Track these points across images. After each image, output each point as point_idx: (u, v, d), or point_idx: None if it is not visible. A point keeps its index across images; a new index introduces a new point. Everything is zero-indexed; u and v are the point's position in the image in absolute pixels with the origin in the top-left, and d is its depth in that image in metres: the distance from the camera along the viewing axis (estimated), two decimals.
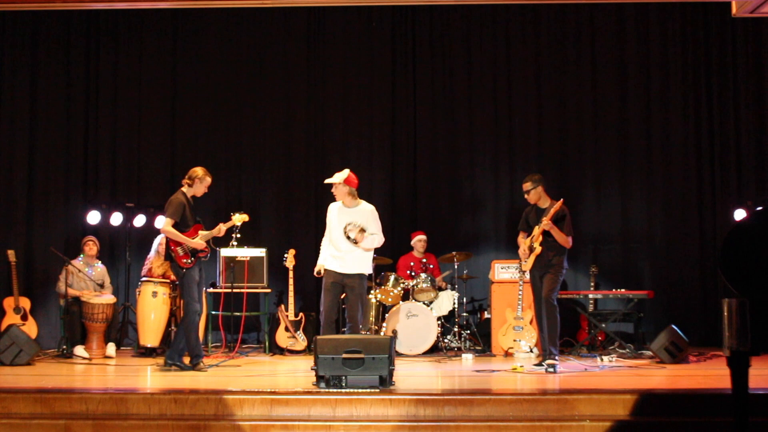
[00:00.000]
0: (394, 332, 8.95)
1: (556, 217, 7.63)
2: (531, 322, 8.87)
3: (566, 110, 10.46)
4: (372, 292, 9.11)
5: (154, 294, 8.98)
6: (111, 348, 9.01)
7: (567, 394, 6.01)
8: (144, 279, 9.16)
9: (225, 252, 9.39)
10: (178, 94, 10.57)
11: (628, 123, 10.37)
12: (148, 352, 8.95)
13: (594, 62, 10.44)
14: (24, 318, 9.16)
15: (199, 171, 7.56)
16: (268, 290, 9.60)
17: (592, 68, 10.43)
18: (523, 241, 7.91)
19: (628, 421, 5.71)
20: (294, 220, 10.42)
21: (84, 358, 8.72)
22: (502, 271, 9.40)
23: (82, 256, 9.37)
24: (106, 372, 7.93)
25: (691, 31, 10.36)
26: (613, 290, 9.36)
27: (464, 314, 9.63)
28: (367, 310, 9.13)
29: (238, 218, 7.76)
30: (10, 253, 9.23)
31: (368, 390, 6.04)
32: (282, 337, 9.26)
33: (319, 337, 6.40)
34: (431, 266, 9.64)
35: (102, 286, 9.33)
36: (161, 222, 7.51)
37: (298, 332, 9.26)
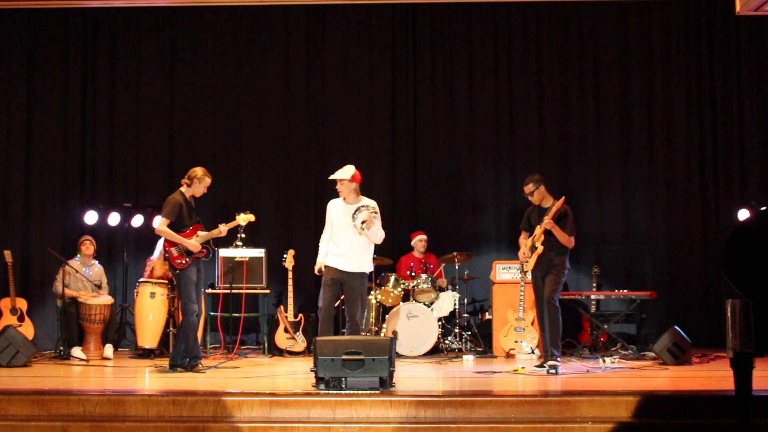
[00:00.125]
0: (395, 333, 8.91)
1: (558, 216, 7.59)
2: (532, 323, 8.84)
3: (568, 110, 10.41)
4: (372, 292, 9.07)
5: (152, 295, 8.94)
6: (108, 349, 8.97)
7: (569, 396, 5.97)
8: (142, 280, 9.12)
9: (224, 252, 9.34)
10: (176, 94, 10.53)
11: (631, 122, 10.32)
12: (146, 354, 8.91)
13: (596, 61, 10.40)
14: (21, 319, 9.13)
15: (198, 171, 7.53)
16: (267, 291, 9.55)
17: (594, 67, 10.39)
18: (524, 242, 7.86)
19: (630, 423, 5.68)
20: (293, 220, 10.38)
21: (81, 360, 8.68)
22: (504, 271, 9.35)
23: (78, 256, 9.33)
24: (103, 373, 7.91)
25: (694, 29, 10.32)
26: (616, 291, 9.32)
27: (465, 315, 9.59)
28: (367, 310, 9.10)
29: (243, 218, 7.74)
30: (7, 254, 9.19)
31: (368, 391, 6.00)
32: (281, 339, 9.22)
33: (318, 338, 6.36)
34: (431, 266, 9.59)
35: (99, 286, 9.29)
36: (156, 222, 7.48)
37: (298, 333, 9.21)
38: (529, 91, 10.46)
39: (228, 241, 8.65)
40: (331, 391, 6.03)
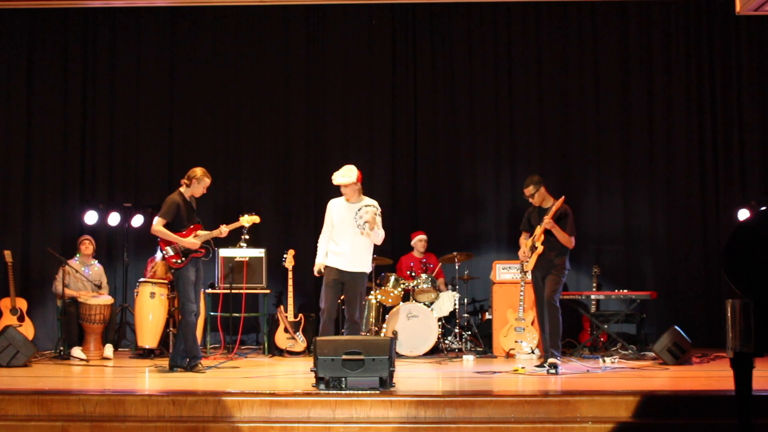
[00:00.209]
0: (395, 333, 8.91)
1: (558, 216, 7.59)
2: (532, 323, 8.84)
3: (568, 109, 10.41)
4: (372, 292, 9.07)
5: (152, 295, 8.94)
6: (109, 349, 8.96)
7: (569, 396, 5.97)
8: (142, 280, 9.11)
9: (224, 252, 9.34)
10: (176, 94, 10.53)
11: (631, 122, 10.32)
12: (146, 354, 8.90)
13: (596, 60, 10.39)
14: (21, 319, 9.12)
15: (197, 171, 7.53)
16: (267, 291, 9.54)
17: (594, 67, 10.38)
18: (524, 242, 7.85)
19: (630, 422, 5.67)
20: (294, 220, 10.37)
21: (81, 360, 8.68)
22: (504, 271, 9.35)
23: (78, 255, 9.32)
24: (103, 373, 7.90)
25: (695, 29, 10.31)
26: (616, 291, 9.32)
27: (465, 315, 9.59)
28: (367, 310, 9.10)
29: (247, 220, 7.75)
30: (7, 254, 9.19)
31: (368, 391, 6.00)
32: (281, 339, 9.21)
33: (318, 338, 6.36)
34: (431, 266, 9.59)
35: (99, 286, 9.29)
36: (154, 221, 7.52)
37: (298, 333, 9.21)
38: (529, 91, 10.46)
39: (231, 241, 8.66)
40: (331, 391, 6.03)
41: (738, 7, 7.50)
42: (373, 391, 6.01)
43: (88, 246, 9.35)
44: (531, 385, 6.79)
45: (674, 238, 10.16)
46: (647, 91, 10.32)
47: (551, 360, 7.45)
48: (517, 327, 8.95)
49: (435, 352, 9.12)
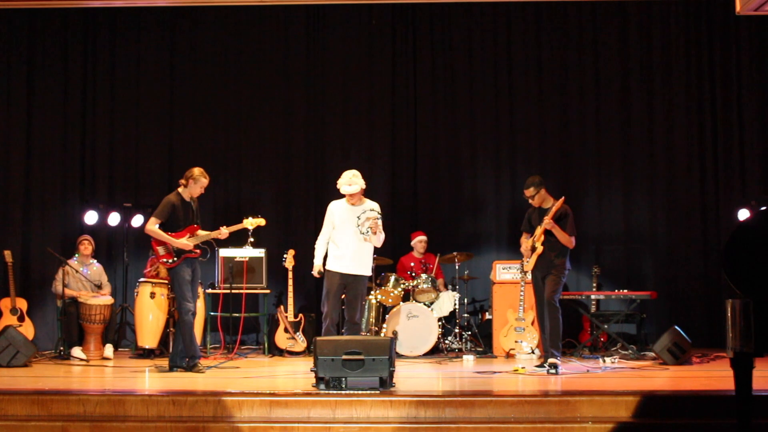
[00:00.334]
0: (395, 333, 8.91)
1: (558, 216, 7.59)
2: (532, 323, 8.84)
3: (568, 109, 10.40)
4: (372, 292, 9.06)
5: (152, 295, 8.94)
6: (109, 349, 8.96)
7: (569, 396, 5.97)
8: (142, 280, 9.11)
9: (224, 252, 9.35)
10: (176, 94, 10.52)
11: (631, 122, 10.31)
12: (146, 354, 8.90)
13: (596, 60, 10.38)
14: (21, 319, 9.12)
15: (195, 171, 7.55)
16: (267, 291, 9.55)
17: (594, 67, 10.38)
18: (525, 242, 7.85)
19: (630, 422, 5.67)
20: (294, 220, 10.37)
21: (81, 360, 8.68)
22: (504, 271, 9.35)
23: (77, 255, 9.32)
24: (103, 373, 7.90)
25: (694, 29, 10.31)
26: (616, 291, 9.31)
27: (465, 315, 9.59)
28: (367, 310, 9.10)
29: (251, 222, 7.76)
30: (7, 254, 9.19)
31: (368, 391, 6.00)
32: (281, 339, 9.21)
33: (318, 338, 6.36)
34: (431, 266, 9.59)
35: (99, 286, 9.28)
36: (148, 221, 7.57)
37: (298, 333, 9.21)
38: (529, 91, 10.45)
39: (237, 242, 8.67)
40: (331, 391, 6.03)
41: (738, 7, 7.51)
42: (373, 391, 6.00)
43: (87, 246, 9.34)
44: (531, 385, 6.79)
45: (674, 238, 10.15)
46: (647, 91, 10.32)
47: (551, 360, 7.45)
48: (517, 327, 8.94)
49: (435, 352, 9.12)
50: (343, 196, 7.39)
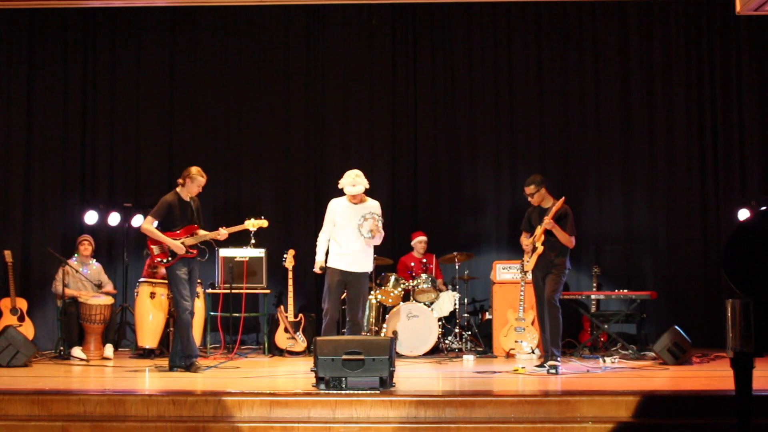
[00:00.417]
0: (395, 333, 8.91)
1: (558, 216, 7.59)
2: (533, 323, 8.84)
3: (568, 109, 10.41)
4: (372, 292, 9.06)
5: (152, 295, 8.94)
6: (109, 349, 8.96)
7: (569, 396, 5.97)
8: (142, 280, 9.11)
9: (224, 252, 9.35)
10: (177, 94, 10.53)
11: (631, 122, 10.32)
12: (146, 354, 8.90)
13: (596, 60, 10.39)
14: (21, 319, 9.12)
15: (192, 170, 7.57)
16: (268, 291, 9.55)
17: (594, 67, 10.38)
18: (525, 242, 7.86)
19: (630, 422, 5.67)
20: (294, 220, 10.37)
21: (81, 360, 8.68)
22: (504, 271, 9.35)
23: (76, 255, 9.32)
24: (103, 373, 7.90)
25: (695, 29, 10.31)
26: (616, 291, 9.31)
27: (465, 315, 9.59)
28: (367, 310, 9.10)
29: (252, 223, 7.78)
30: (7, 254, 9.19)
31: (368, 391, 6.00)
32: (281, 338, 9.21)
33: (318, 338, 6.36)
34: (431, 266, 9.59)
35: (99, 286, 9.28)
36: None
37: (298, 333, 9.21)
38: (529, 91, 10.45)
39: (238, 242, 8.67)
40: (331, 391, 6.02)
41: (738, 7, 7.50)
42: (373, 391, 6.00)
43: (87, 247, 9.35)
44: (531, 385, 6.79)
45: (674, 238, 10.15)
46: (647, 91, 10.32)
47: (551, 360, 7.45)
48: (517, 327, 8.95)
49: (435, 352, 9.12)
50: (343, 193, 7.40)
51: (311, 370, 6.26)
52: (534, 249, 7.69)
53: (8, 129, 10.32)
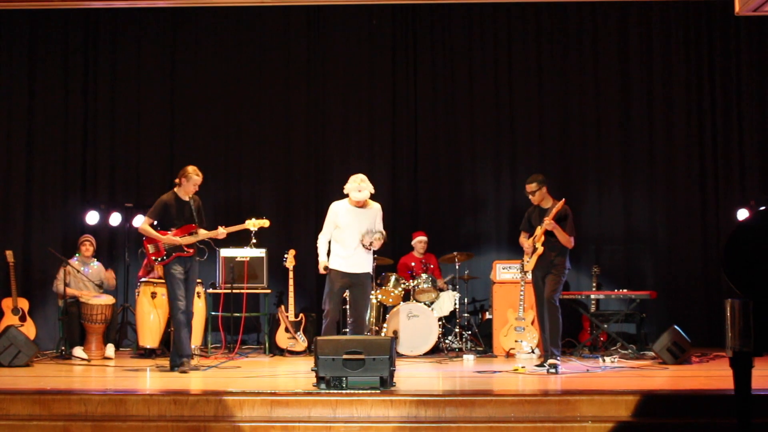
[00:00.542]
0: (395, 333, 8.93)
1: (558, 217, 7.60)
2: (533, 323, 8.85)
3: (568, 110, 10.42)
4: (373, 292, 9.07)
5: (153, 295, 8.95)
6: (110, 349, 8.97)
7: (569, 395, 5.98)
8: (143, 280, 9.12)
9: (224, 252, 9.36)
10: (177, 94, 10.53)
11: (631, 122, 10.33)
12: (147, 353, 8.92)
13: (596, 61, 10.40)
14: (22, 319, 9.13)
15: (188, 169, 7.59)
16: (268, 291, 9.56)
17: (594, 67, 10.39)
18: (525, 241, 7.87)
19: (630, 422, 5.68)
20: (294, 220, 10.38)
21: (83, 359, 8.69)
22: (504, 271, 9.36)
23: (77, 255, 9.34)
24: (105, 373, 7.91)
25: (694, 29, 10.32)
26: (616, 290, 9.32)
27: (465, 315, 9.60)
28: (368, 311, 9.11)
29: (253, 223, 7.78)
30: (9, 254, 9.19)
31: (369, 391, 6.01)
32: (282, 338, 9.23)
33: (319, 338, 6.37)
34: (432, 266, 9.60)
35: (100, 285, 9.29)
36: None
37: (299, 333, 9.22)
38: (529, 91, 10.46)
39: (239, 242, 8.68)
40: (331, 391, 6.04)
41: (738, 8, 7.51)
42: (373, 391, 6.01)
43: (88, 248, 9.35)
44: (531, 384, 6.80)
45: (674, 238, 10.17)
46: (647, 91, 10.33)
47: (551, 360, 7.46)
48: (517, 327, 8.96)
49: (435, 351, 9.13)
50: (344, 195, 7.41)
51: (312, 370, 6.27)
52: (534, 249, 7.70)
53: (9, 129, 10.33)
